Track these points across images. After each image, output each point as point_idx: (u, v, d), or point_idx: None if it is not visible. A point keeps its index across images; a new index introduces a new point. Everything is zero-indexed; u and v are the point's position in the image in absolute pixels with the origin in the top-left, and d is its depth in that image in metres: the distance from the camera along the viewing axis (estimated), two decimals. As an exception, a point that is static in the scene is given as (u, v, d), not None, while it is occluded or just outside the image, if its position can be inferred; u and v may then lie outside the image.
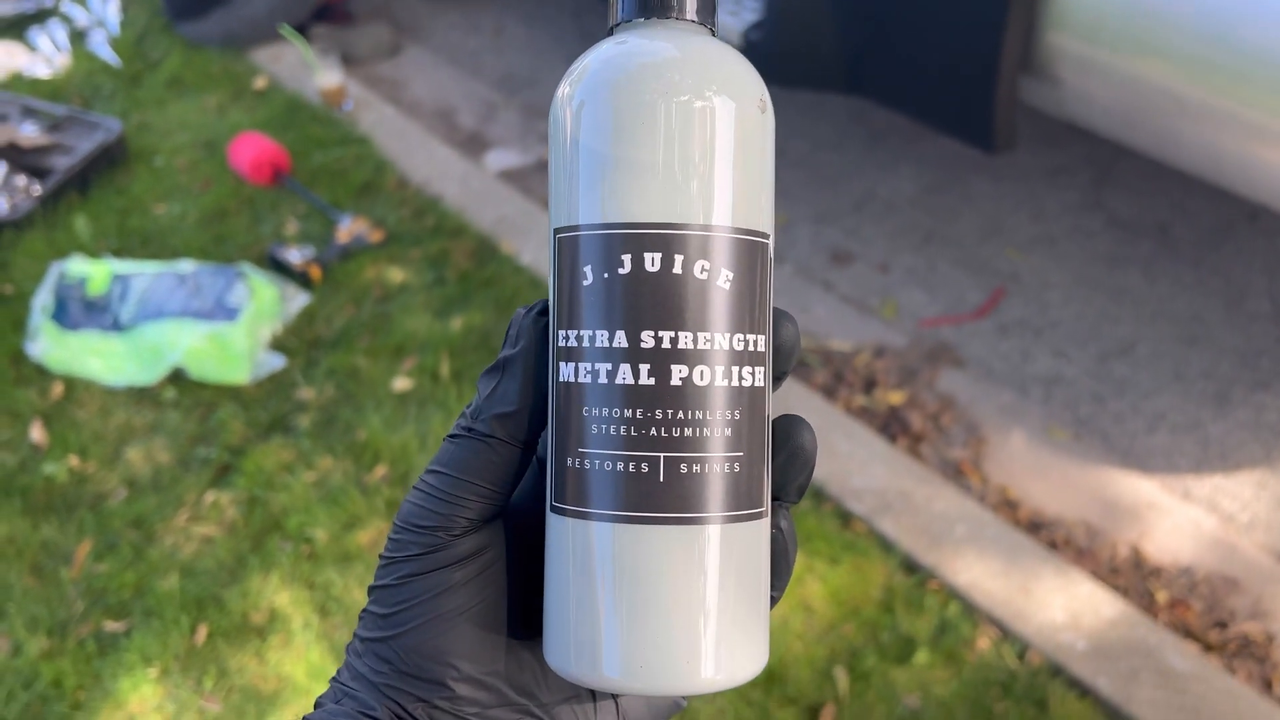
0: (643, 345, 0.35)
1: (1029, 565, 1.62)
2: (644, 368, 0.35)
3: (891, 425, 1.94)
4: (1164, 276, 2.17)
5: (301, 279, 2.13)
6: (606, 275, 0.36)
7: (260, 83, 2.80)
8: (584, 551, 0.37)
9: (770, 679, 1.47)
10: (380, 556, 0.41)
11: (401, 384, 1.94)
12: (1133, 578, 1.66)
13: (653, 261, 0.35)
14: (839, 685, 1.47)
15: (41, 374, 1.97)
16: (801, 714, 1.45)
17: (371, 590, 0.41)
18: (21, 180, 2.34)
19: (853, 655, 1.51)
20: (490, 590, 0.40)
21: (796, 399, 1.91)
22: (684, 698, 0.42)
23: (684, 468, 0.36)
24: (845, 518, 1.71)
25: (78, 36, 3.15)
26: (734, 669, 0.37)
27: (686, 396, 0.36)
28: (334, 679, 0.41)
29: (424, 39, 3.22)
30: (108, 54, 2.99)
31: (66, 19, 3.22)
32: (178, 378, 1.95)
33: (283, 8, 2.83)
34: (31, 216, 2.28)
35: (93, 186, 2.40)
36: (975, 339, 2.09)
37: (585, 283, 0.36)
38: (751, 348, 0.37)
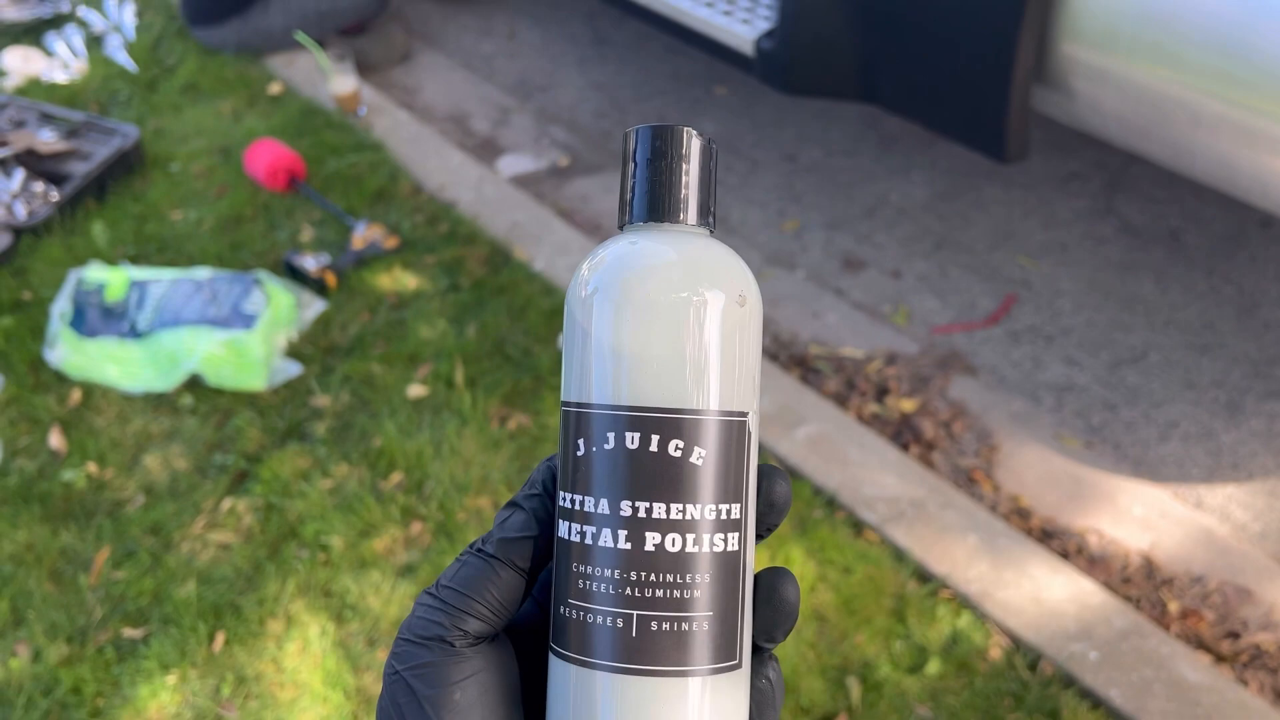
0: (621, 513, 0.40)
1: (1041, 575, 1.63)
2: (622, 533, 0.40)
3: (903, 433, 1.95)
4: (1176, 284, 2.17)
5: (317, 286, 2.14)
6: (595, 449, 0.40)
7: (275, 88, 2.81)
8: (571, 691, 0.41)
9: (783, 689, 1.48)
10: (385, 675, 0.43)
11: (416, 391, 1.95)
12: (1145, 587, 1.66)
13: (632, 440, 0.40)
14: (851, 695, 1.48)
15: (60, 380, 1.99)
16: (814, 723, 1.45)
17: (381, 710, 0.43)
18: (39, 186, 2.36)
19: (865, 665, 1.52)
20: (492, 709, 0.42)
21: (809, 407, 1.92)
22: None
23: (654, 625, 0.40)
24: (857, 527, 1.72)
25: (94, 42, 3.17)
26: None
27: (658, 561, 0.40)
28: None
29: (437, 44, 3.23)
30: (124, 59, 3.02)
31: (83, 24, 3.25)
32: (194, 385, 1.97)
33: (299, 25, 2.85)
34: (49, 223, 2.30)
35: (110, 193, 2.42)
36: (987, 346, 2.10)
37: (579, 453, 0.41)
38: (725, 516, 0.41)
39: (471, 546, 0.44)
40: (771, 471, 0.44)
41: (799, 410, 1.91)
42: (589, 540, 0.40)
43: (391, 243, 2.25)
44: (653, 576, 0.40)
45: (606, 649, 0.40)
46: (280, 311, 2.03)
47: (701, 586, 0.40)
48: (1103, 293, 2.18)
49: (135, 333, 2.00)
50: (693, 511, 0.40)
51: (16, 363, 2.02)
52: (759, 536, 0.44)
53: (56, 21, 3.27)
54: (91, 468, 1.84)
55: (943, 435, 1.95)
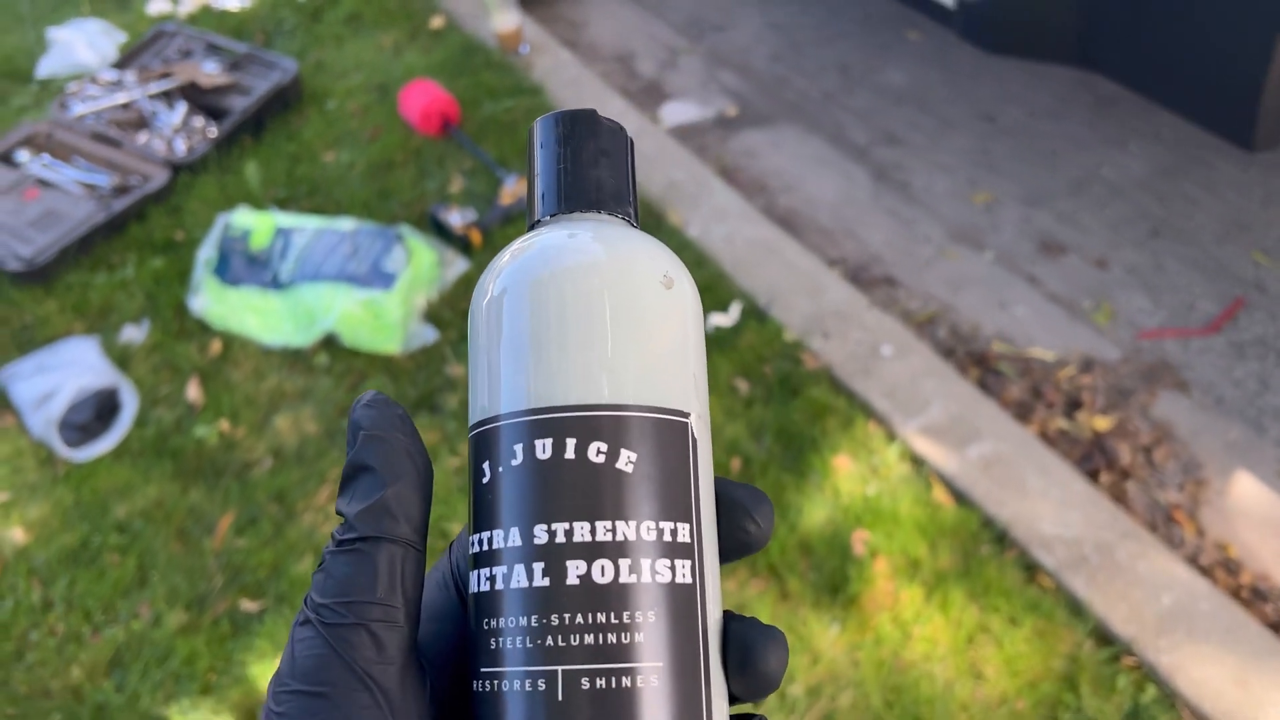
0: (536, 541, 0.32)
1: (1248, 648, 1.38)
2: (537, 567, 0.32)
3: (1094, 456, 1.70)
4: None
5: (461, 243, 2.04)
6: (501, 469, 0.33)
7: (437, 22, 2.70)
8: None
9: (926, 763, 1.31)
10: None
11: (553, 367, 1.83)
12: (1381, 681, 1.39)
13: (544, 448, 0.33)
14: (1006, 777, 1.30)
15: (202, 329, 1.97)
16: (959, 806, 1.28)
17: None
18: (199, 121, 2.33)
19: (1025, 742, 1.33)
20: None
21: (986, 420, 1.69)
22: None
23: (585, 682, 0.31)
24: (1030, 569, 1.51)
25: (267, -35, 3.13)
26: None
27: (585, 597, 0.32)
28: None
29: (610, -27, 3.04)
30: (293, -15, 2.97)
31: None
32: (330, 343, 1.90)
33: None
34: (206, 160, 2.28)
35: (266, 129, 2.38)
36: (1204, 358, 1.81)
37: (484, 481, 0.34)
38: (670, 538, 0.33)
39: (326, 548, 0.34)
40: (768, 631, 0.34)
41: (974, 422, 1.69)
42: (499, 584, 0.32)
43: (541, 198, 2.12)
44: (579, 619, 0.31)
45: None
46: (421, 269, 1.93)
47: (644, 628, 0.32)
48: (1356, 303, 1.84)
49: (277, 283, 1.95)
50: (624, 530, 0.32)
51: (163, 307, 2.01)
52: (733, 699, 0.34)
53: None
54: (224, 425, 1.81)
55: (1141, 463, 1.69)
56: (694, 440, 0.35)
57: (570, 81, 2.48)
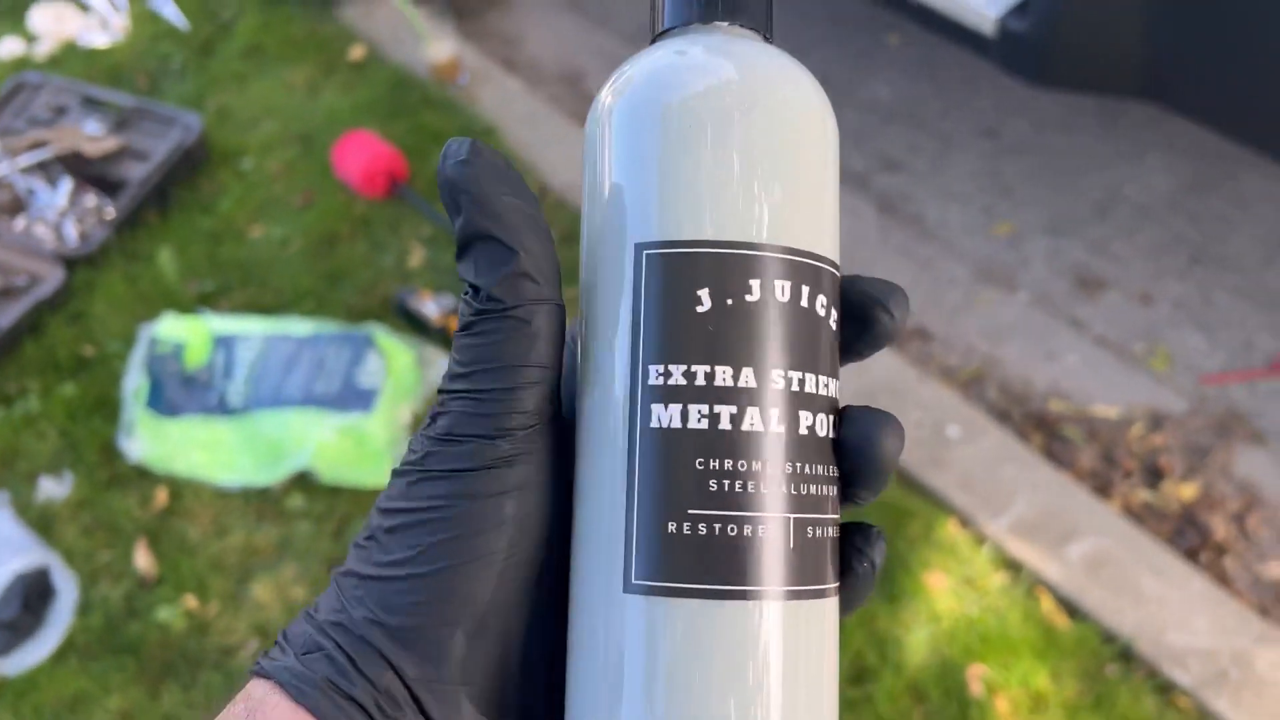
0: (774, 386, 0.31)
1: None
2: (774, 413, 0.31)
3: (1187, 532, 1.55)
4: None
5: (440, 336, 1.74)
6: (730, 302, 0.31)
7: (356, 53, 2.34)
8: (722, 638, 0.30)
9: None
10: (403, 471, 0.32)
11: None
12: None
13: (782, 291, 0.32)
14: None
15: (140, 474, 1.63)
16: None
17: (388, 513, 0.31)
18: (91, 199, 1.95)
19: None
20: (539, 524, 0.32)
21: (1081, 510, 1.52)
22: None
23: (810, 531, 0.31)
24: (1165, 690, 1.35)
25: (133, -14, 2.69)
26: None
27: (810, 447, 0.31)
28: (311, 612, 0.32)
29: (532, -26, 2.71)
30: (172, 13, 2.53)
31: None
32: (303, 480, 1.60)
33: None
34: (106, 248, 1.90)
35: (173, 202, 2.00)
36: (1274, 403, 1.67)
37: (700, 309, 0.31)
38: (836, 392, 0.33)
39: (466, 315, 0.32)
40: (882, 415, 0.33)
41: (1067, 514, 1.52)
42: (725, 424, 0.30)
43: (521, 269, 1.83)
44: (806, 469, 0.31)
45: (763, 570, 0.30)
46: (400, 377, 1.64)
47: (834, 480, 0.32)
48: None
49: (225, 408, 1.62)
50: (830, 385, 0.33)
51: (85, 449, 1.65)
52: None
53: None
54: (190, 601, 1.49)
55: (1235, 535, 1.55)
56: None
57: (525, 118, 2.17)
